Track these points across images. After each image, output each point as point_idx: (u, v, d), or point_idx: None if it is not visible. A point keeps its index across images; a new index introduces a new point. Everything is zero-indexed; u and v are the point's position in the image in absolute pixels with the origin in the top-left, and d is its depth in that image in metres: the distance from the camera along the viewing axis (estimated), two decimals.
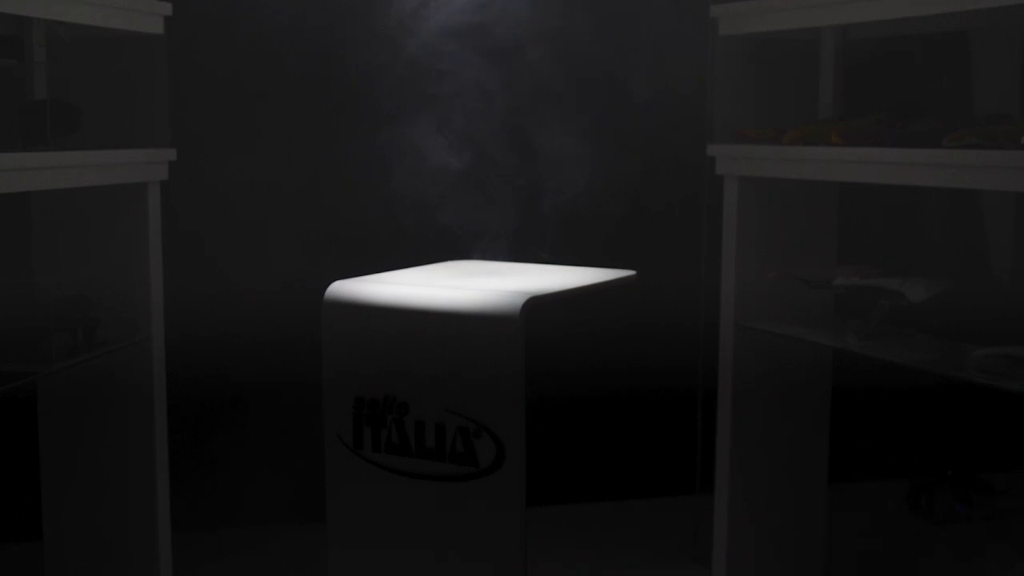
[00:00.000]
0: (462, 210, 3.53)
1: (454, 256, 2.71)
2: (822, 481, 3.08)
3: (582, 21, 3.55)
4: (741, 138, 2.88)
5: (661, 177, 3.59)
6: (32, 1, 2.44)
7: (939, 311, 2.62)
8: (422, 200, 3.53)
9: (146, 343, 2.80)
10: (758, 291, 2.89)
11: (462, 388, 2.11)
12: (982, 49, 3.04)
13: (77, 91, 2.72)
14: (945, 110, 2.97)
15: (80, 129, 2.67)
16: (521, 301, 2.08)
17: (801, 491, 3.05)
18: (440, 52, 3.48)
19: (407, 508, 2.20)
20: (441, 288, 2.21)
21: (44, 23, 2.64)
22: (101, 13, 2.61)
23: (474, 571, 2.15)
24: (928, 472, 3.08)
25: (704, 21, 2.99)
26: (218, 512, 3.47)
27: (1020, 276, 3.16)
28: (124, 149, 2.71)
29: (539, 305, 2.11)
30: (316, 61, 3.46)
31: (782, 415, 2.98)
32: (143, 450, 2.84)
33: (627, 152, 3.60)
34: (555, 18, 3.53)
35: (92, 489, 2.88)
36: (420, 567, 2.21)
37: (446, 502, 2.16)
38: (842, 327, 2.77)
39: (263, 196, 3.46)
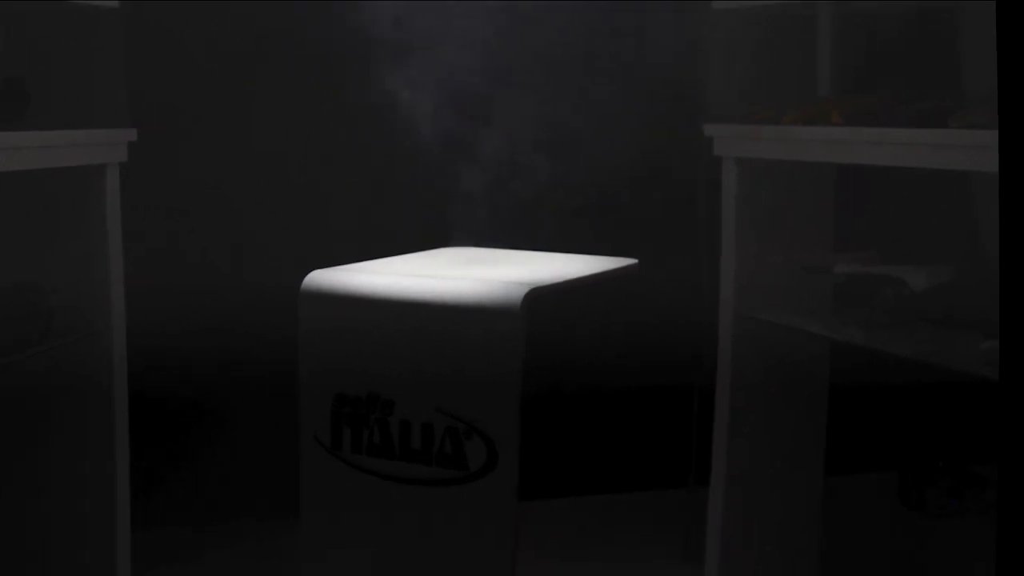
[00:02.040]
0: (451, 194, 3.41)
1: (443, 243, 2.60)
2: (819, 475, 3.00)
3: None
4: (751, 120, 2.76)
5: (654, 160, 3.48)
6: None
7: (941, 300, 2.53)
8: (410, 183, 3.40)
9: (105, 334, 2.69)
10: (758, 279, 2.80)
11: (453, 386, 1.97)
12: (987, 24, 2.96)
13: (28, 66, 2.61)
14: (949, 87, 2.89)
15: (30, 106, 2.55)
16: (522, 293, 1.93)
17: (798, 484, 2.97)
18: (424, 27, 3.35)
19: (389, 514, 2.06)
20: (431, 278, 2.06)
21: None
22: None
23: None
24: (919, 464, 3.01)
25: None
26: (191, 508, 3.39)
27: None
28: (80, 129, 2.59)
29: (541, 297, 1.96)
30: (292, 32, 3.31)
31: (779, 406, 2.90)
32: (102, 446, 2.74)
33: (617, 133, 3.49)
34: None
35: (48, 487, 2.78)
36: None
37: (432, 507, 2.01)
38: (843, 317, 2.67)
39: (233, 177, 3.31)
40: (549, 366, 3.01)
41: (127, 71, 2.74)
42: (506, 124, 3.45)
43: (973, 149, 2.22)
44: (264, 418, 3.31)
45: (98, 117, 2.67)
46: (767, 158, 2.72)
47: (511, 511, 1.97)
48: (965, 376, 2.33)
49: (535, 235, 3.40)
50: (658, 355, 3.31)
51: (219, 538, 3.35)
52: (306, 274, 2.13)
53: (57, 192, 2.66)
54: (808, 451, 2.96)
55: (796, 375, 2.87)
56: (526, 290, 1.94)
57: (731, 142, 2.78)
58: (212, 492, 3.40)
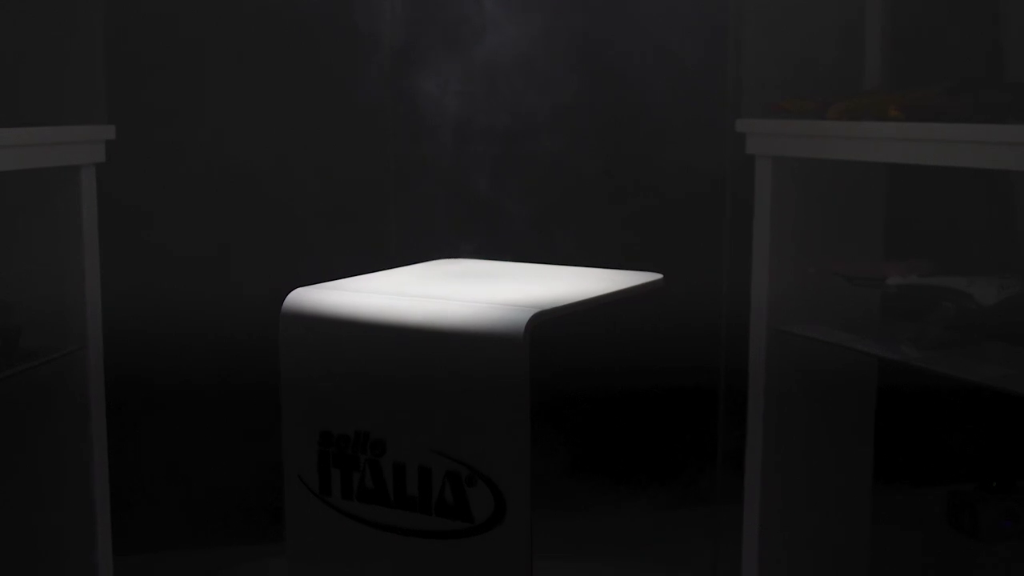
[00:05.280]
0: (448, 200, 3.24)
1: (439, 254, 2.43)
2: (866, 496, 2.84)
3: None
4: (777, 113, 2.57)
5: (676, 159, 3.30)
6: None
7: (1009, 315, 2.32)
8: (405, 189, 3.24)
9: (80, 353, 2.57)
10: (795, 290, 2.62)
11: (451, 423, 1.76)
12: None
13: None
14: (996, 79, 2.72)
15: None
16: (525, 316, 1.72)
17: (841, 507, 2.82)
18: (412, 22, 3.19)
19: (384, 568, 1.86)
20: (426, 298, 1.86)
21: None
22: None
23: None
24: (970, 485, 2.86)
25: None
26: (173, 532, 3.28)
27: None
28: (53, 126, 2.48)
29: (547, 321, 1.75)
30: (280, 28, 3.15)
31: (820, 425, 2.74)
32: (81, 470, 2.65)
33: (636, 131, 3.31)
34: None
35: (25, 513, 2.67)
36: None
37: (432, 563, 1.81)
38: (896, 334, 2.47)
39: (217, 181, 3.15)
40: (560, 394, 2.86)
41: (106, 62, 2.66)
42: (507, 123, 3.28)
43: None
44: (250, 440, 3.18)
45: (73, 113, 2.58)
46: (812, 157, 2.54)
47: (524, 569, 1.76)
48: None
49: (541, 245, 3.22)
50: (679, 369, 3.15)
51: (203, 563, 3.27)
52: (291, 286, 1.96)
53: (26, 196, 2.55)
54: (852, 470, 2.82)
55: (835, 392, 2.72)
56: (530, 314, 1.73)
57: (767, 139, 2.60)
58: (195, 515, 3.30)
